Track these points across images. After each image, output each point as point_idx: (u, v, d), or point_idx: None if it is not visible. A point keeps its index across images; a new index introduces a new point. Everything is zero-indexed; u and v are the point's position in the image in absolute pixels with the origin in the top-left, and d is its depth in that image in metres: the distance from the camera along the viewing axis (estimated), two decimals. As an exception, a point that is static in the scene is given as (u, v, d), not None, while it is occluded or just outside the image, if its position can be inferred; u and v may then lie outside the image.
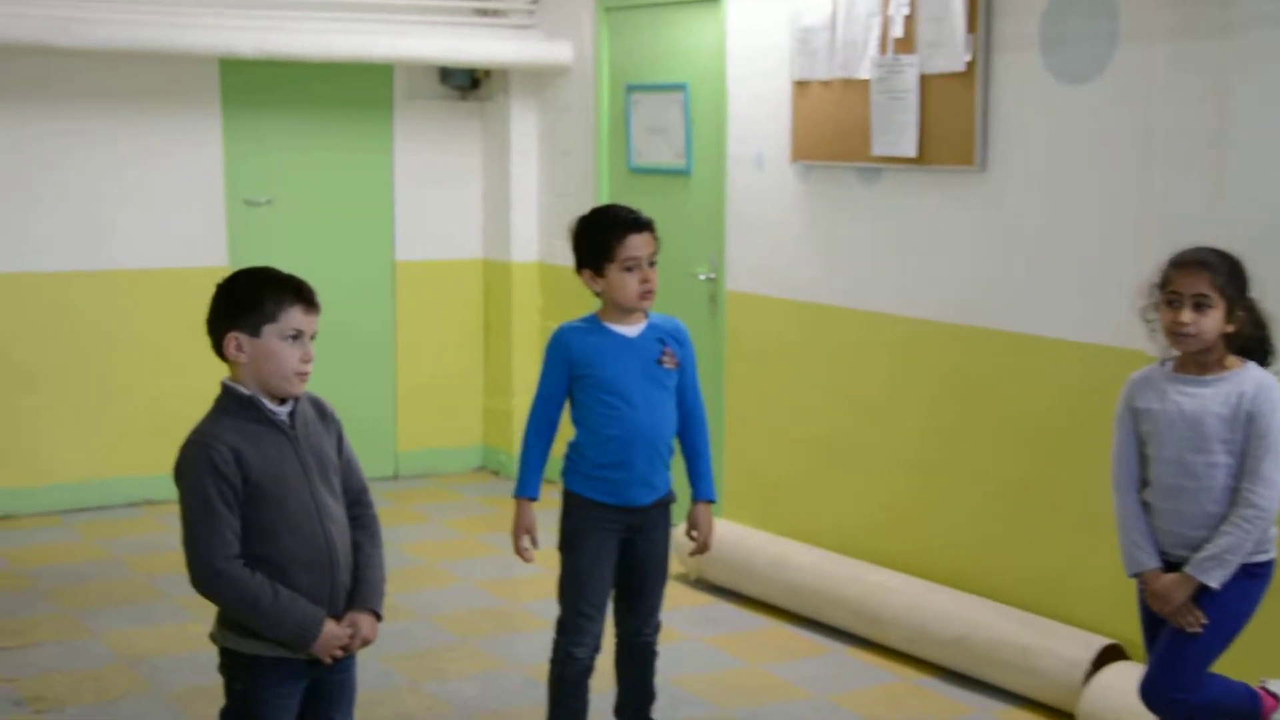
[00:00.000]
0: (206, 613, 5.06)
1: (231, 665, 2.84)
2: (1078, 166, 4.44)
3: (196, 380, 6.75)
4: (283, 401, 2.83)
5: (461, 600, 5.40)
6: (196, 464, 2.73)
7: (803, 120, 5.42)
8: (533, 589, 5.48)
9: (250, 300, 2.78)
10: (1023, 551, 4.66)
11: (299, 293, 2.80)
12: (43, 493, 6.43)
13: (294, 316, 2.78)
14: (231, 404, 2.81)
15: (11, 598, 5.23)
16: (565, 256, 7.03)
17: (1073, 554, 4.48)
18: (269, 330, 2.78)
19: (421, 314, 7.33)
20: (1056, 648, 4.30)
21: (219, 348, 2.81)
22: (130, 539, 6.15)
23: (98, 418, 6.58)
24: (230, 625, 2.80)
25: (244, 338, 2.78)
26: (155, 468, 6.66)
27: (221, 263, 6.65)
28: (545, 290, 7.24)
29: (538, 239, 7.25)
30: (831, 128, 5.28)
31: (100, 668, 4.59)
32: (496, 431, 7.45)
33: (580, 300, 7.42)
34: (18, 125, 6.33)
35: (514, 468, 7.25)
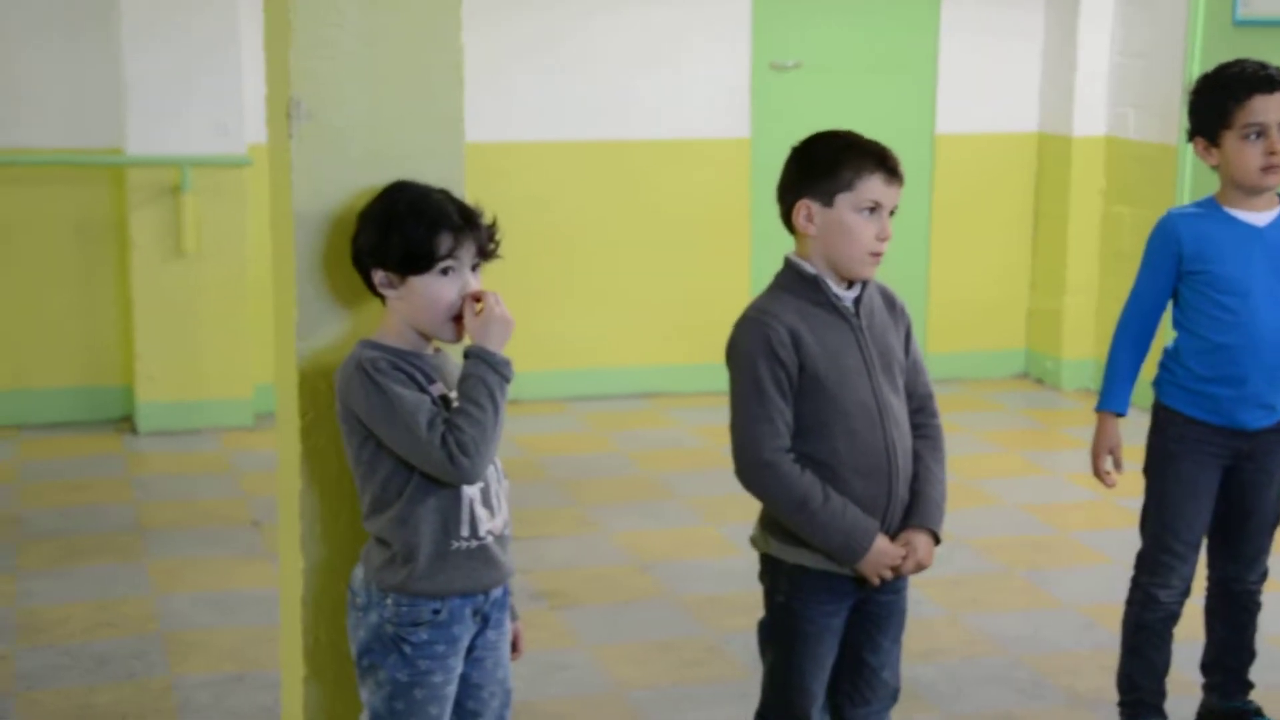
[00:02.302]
0: (720, 517, 5.39)
1: (773, 574, 2.87)
2: None
3: (713, 265, 7.13)
4: (849, 285, 2.80)
5: (1002, 524, 5.29)
6: (751, 343, 2.75)
7: None
8: (1085, 516, 5.29)
9: (826, 165, 2.75)
10: None
11: (881, 160, 2.74)
12: (547, 378, 6.84)
13: (873, 186, 2.73)
14: (793, 281, 2.80)
15: (525, 486, 5.60)
16: (1140, 129, 6.61)
17: None
18: (843, 200, 2.74)
19: (961, 196, 7.17)
20: None
21: (788, 217, 2.81)
22: (636, 432, 6.44)
23: (604, 301, 6.90)
24: (774, 530, 2.82)
25: (815, 206, 2.76)
26: (663, 357, 6.94)
27: (743, 133, 6.75)
28: (1111, 170, 6.89)
29: (1106, 109, 6.89)
30: None
31: (611, 566, 4.84)
32: (1043, 335, 7.21)
33: (1154, 184, 7.09)
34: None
35: (1062, 376, 7.16)
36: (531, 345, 6.87)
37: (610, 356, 6.96)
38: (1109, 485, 3.54)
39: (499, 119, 6.45)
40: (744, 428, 2.76)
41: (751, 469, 2.76)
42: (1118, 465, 3.54)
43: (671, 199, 6.86)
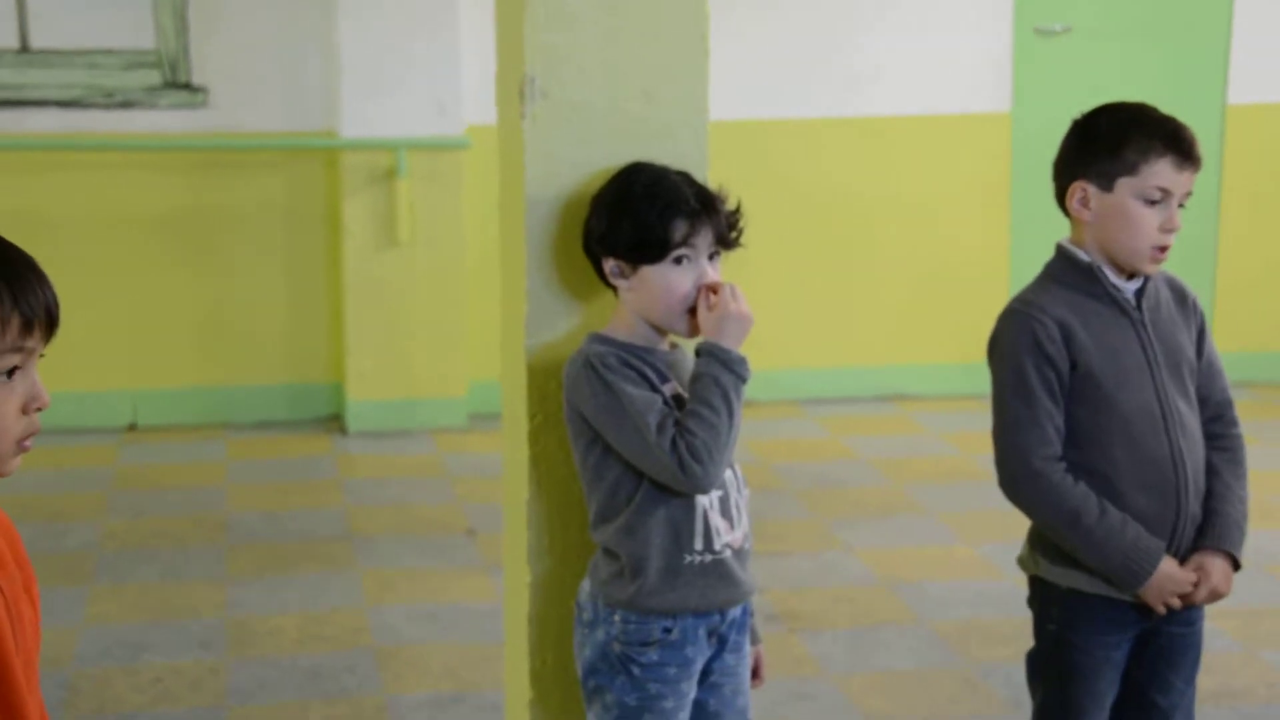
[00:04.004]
0: (976, 534, 5.32)
1: (1043, 599, 2.81)
2: None
3: (968, 253, 7.04)
4: (1131, 276, 2.74)
5: (1305, 552, 5.11)
6: (1016, 339, 2.71)
7: None
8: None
9: (1108, 143, 2.68)
10: None
11: (1173, 141, 2.66)
12: (782, 377, 6.84)
13: (1161, 171, 2.66)
14: (1065, 270, 2.75)
15: (758, 497, 5.59)
16: None
17: None
18: (1125, 185, 2.67)
19: (1256, 175, 6.94)
20: None
21: (1062, 198, 2.76)
22: (880, 439, 6.40)
23: (846, 293, 6.86)
24: (1045, 549, 2.77)
25: (1092, 189, 2.70)
26: (912, 355, 6.88)
27: (1003, 107, 6.66)
28: None
29: None
30: None
31: (856, 586, 4.81)
32: (1351, 334, 6.94)
33: None
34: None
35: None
36: (765, 341, 6.87)
37: (852, 354, 6.92)
38: None
39: (736, 94, 6.47)
40: (1009, 434, 2.72)
41: (1018, 479, 2.71)
42: None
43: (923, 180, 6.79)
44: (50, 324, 1.70)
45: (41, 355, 1.72)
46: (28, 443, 1.72)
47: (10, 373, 1.68)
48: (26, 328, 1.67)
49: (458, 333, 6.46)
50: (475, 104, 6.25)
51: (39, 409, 1.72)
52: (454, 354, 6.48)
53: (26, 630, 1.73)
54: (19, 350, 1.68)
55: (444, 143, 6.33)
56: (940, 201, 6.78)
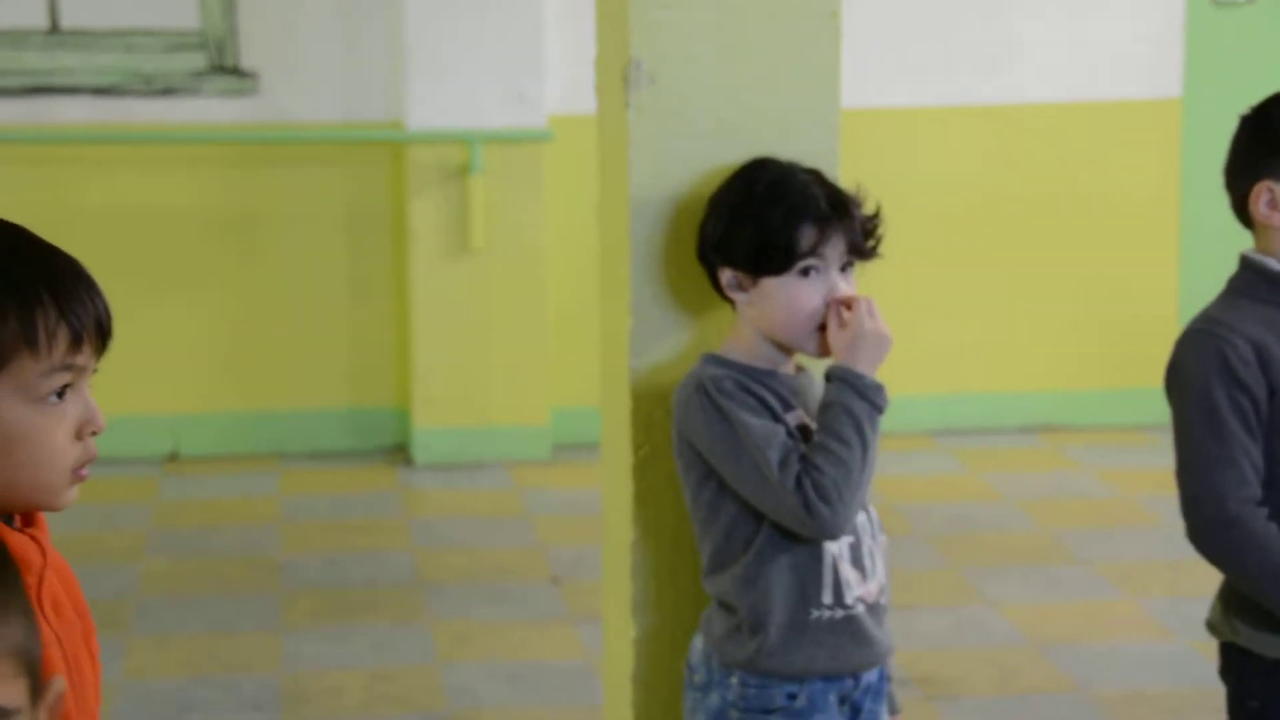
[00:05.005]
0: (1141, 588, 5.26)
1: (1242, 672, 2.76)
2: None
3: (1130, 262, 6.91)
4: (1332, 288, 2.71)
5: None
6: (1203, 363, 2.68)
7: None
8: None
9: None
10: None
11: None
12: (913, 404, 6.80)
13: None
14: (1255, 284, 2.72)
15: (890, 541, 5.60)
16: None
17: None
18: (1309, 183, 2.66)
19: None
20: None
21: (1242, 204, 2.73)
22: (1026, 476, 6.35)
23: (987, 308, 6.82)
24: (1243, 611, 2.72)
25: (1280, 190, 2.68)
26: (1063, 379, 6.82)
27: (1172, 92, 6.61)
28: None
29: None
30: None
31: (1001, 647, 4.78)
32: None
33: None
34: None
35: None
36: (892, 362, 6.82)
37: (994, 378, 6.88)
38: None
39: (868, 79, 6.44)
40: (1199, 474, 2.69)
41: (1211, 527, 2.68)
42: None
43: (1076, 177, 6.74)
44: (102, 337, 1.72)
45: (94, 371, 1.74)
46: (84, 471, 1.74)
47: (60, 393, 1.70)
48: (75, 343, 1.68)
49: (539, 352, 6.49)
50: (559, 90, 6.28)
51: (94, 433, 1.74)
52: (535, 376, 6.51)
53: (88, 688, 1.76)
54: (68, 368, 1.69)
55: (524, 135, 6.37)
56: (1097, 202, 6.72)
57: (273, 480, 6.35)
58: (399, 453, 6.62)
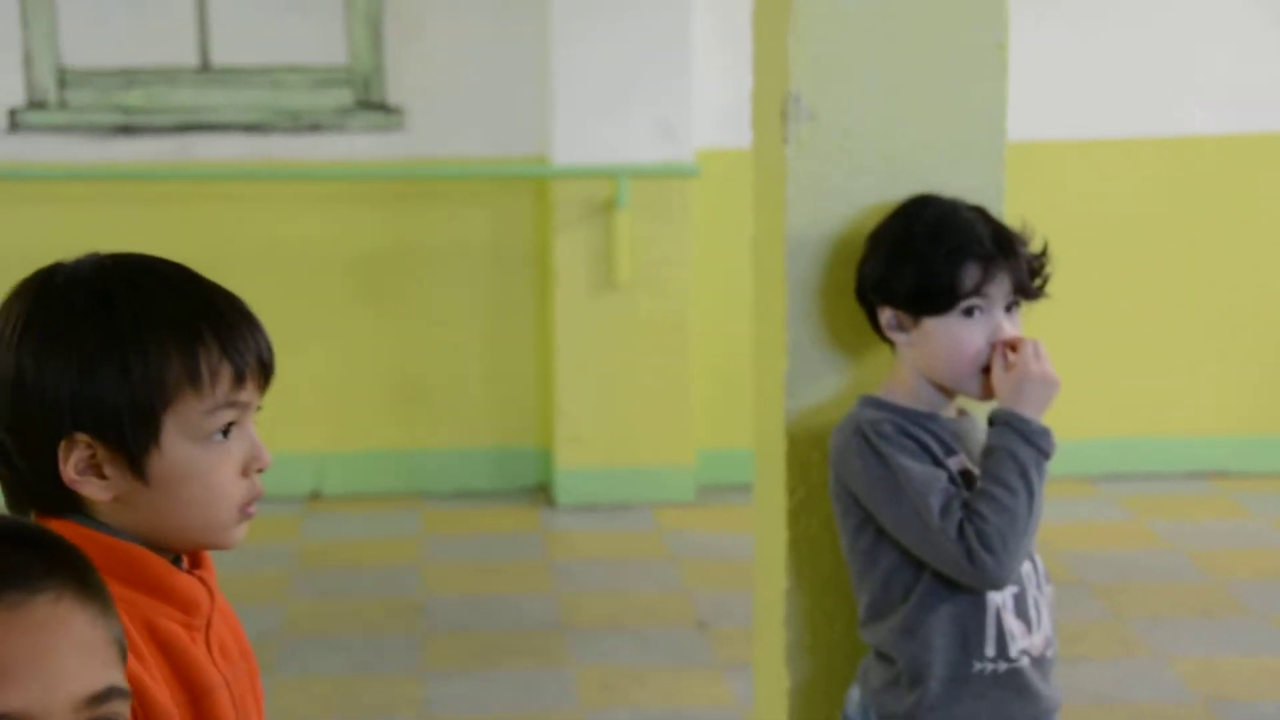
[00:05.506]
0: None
1: None
2: None
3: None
4: None
5: None
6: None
7: None
8: None
9: None
10: None
11: None
12: (1074, 449, 6.68)
13: None
14: None
15: (1055, 591, 5.54)
16: None
17: None
18: None
19: None
20: None
21: None
22: (1195, 525, 6.26)
23: (1151, 348, 6.71)
24: None
25: None
26: (1232, 424, 6.71)
27: (1346, 123, 6.51)
28: None
29: None
30: None
31: (1170, 703, 4.71)
32: None
33: None
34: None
35: None
36: (1059, 406, 6.76)
37: (1160, 421, 6.78)
38: None
39: (1034, 112, 6.35)
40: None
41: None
42: None
43: (1248, 213, 6.63)
44: (265, 374, 1.75)
45: (258, 408, 1.75)
46: (251, 508, 1.77)
47: (225, 431, 1.73)
48: (238, 380, 1.73)
49: (685, 391, 6.48)
50: (706, 125, 6.28)
51: (260, 470, 1.76)
52: (681, 416, 6.50)
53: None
54: (232, 405, 1.73)
55: (671, 169, 6.37)
56: (1271, 238, 6.61)
57: (414, 520, 6.39)
58: (541, 493, 6.63)
